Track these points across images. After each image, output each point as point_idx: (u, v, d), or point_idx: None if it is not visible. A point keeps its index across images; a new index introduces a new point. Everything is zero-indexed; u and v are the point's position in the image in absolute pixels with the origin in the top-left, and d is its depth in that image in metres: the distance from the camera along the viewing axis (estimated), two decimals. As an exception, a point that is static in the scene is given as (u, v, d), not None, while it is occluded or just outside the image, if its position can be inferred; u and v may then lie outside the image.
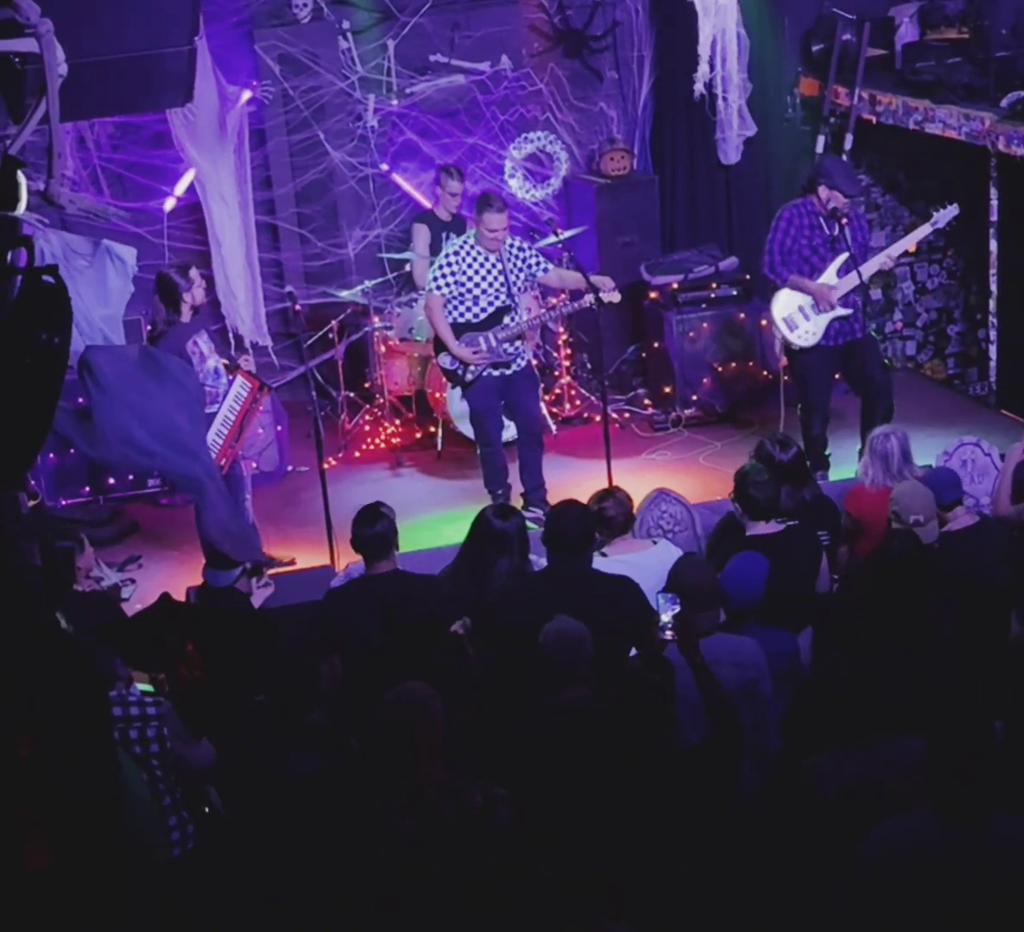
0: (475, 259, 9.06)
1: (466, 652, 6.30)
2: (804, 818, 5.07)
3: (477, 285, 9.08)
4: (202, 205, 10.59)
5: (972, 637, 6.18)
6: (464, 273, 9.05)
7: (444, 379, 9.87)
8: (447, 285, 9.08)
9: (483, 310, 9.12)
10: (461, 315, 9.13)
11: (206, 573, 7.13)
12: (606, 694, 5.33)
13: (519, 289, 9.24)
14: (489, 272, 9.08)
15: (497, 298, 9.12)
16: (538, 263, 9.24)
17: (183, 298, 8.28)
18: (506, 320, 9.15)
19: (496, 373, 9.19)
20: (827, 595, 7.10)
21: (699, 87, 11.04)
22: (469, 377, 9.18)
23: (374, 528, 6.69)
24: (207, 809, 5.87)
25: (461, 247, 9.11)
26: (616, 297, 9.19)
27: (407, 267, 10.71)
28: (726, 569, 6.41)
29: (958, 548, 6.96)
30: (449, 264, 9.07)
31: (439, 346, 9.24)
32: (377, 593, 6.50)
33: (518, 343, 9.23)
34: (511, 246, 9.14)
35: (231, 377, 8.54)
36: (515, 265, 9.14)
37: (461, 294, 9.08)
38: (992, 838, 4.39)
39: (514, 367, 9.22)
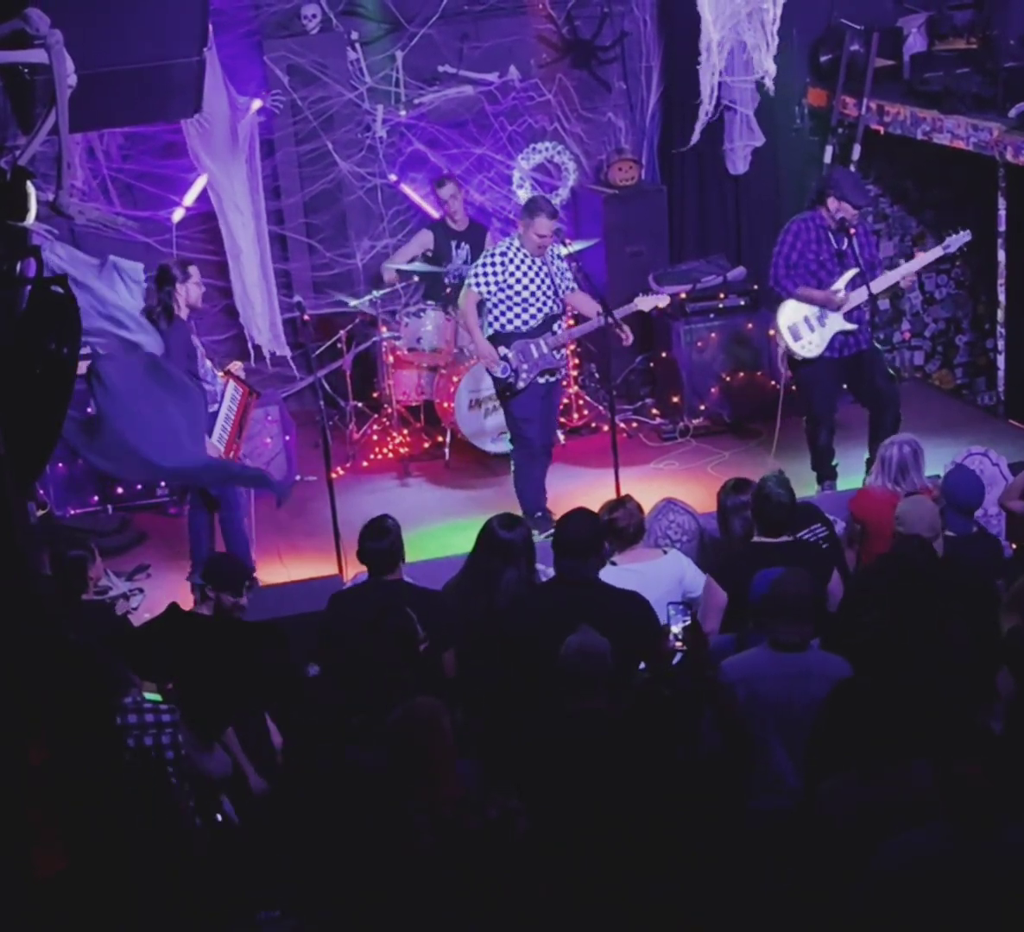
0: (522, 262, 8.90)
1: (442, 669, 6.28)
2: (818, 843, 5.02)
3: (526, 287, 8.92)
4: (217, 214, 10.57)
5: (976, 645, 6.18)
6: (512, 274, 8.89)
7: (455, 391, 9.93)
8: (485, 284, 8.93)
9: (533, 316, 8.97)
10: (509, 321, 8.98)
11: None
12: (614, 706, 5.33)
13: (562, 297, 9.10)
14: (537, 275, 8.92)
15: (546, 304, 8.98)
16: (569, 280, 9.12)
17: (177, 289, 8.27)
18: (554, 327, 9.05)
19: (541, 380, 9.07)
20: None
21: (705, 103, 10.96)
22: (521, 384, 9.02)
23: (381, 542, 6.69)
24: (220, 817, 5.89)
25: (508, 248, 8.94)
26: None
27: (415, 278, 10.73)
28: (763, 575, 6.25)
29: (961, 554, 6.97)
30: (493, 264, 8.91)
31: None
32: (379, 598, 6.51)
33: (563, 350, 9.17)
34: (553, 254, 9.01)
35: (224, 380, 8.67)
36: (559, 270, 9.00)
37: (508, 297, 8.93)
38: (1002, 847, 4.39)
39: (557, 375, 9.17)
